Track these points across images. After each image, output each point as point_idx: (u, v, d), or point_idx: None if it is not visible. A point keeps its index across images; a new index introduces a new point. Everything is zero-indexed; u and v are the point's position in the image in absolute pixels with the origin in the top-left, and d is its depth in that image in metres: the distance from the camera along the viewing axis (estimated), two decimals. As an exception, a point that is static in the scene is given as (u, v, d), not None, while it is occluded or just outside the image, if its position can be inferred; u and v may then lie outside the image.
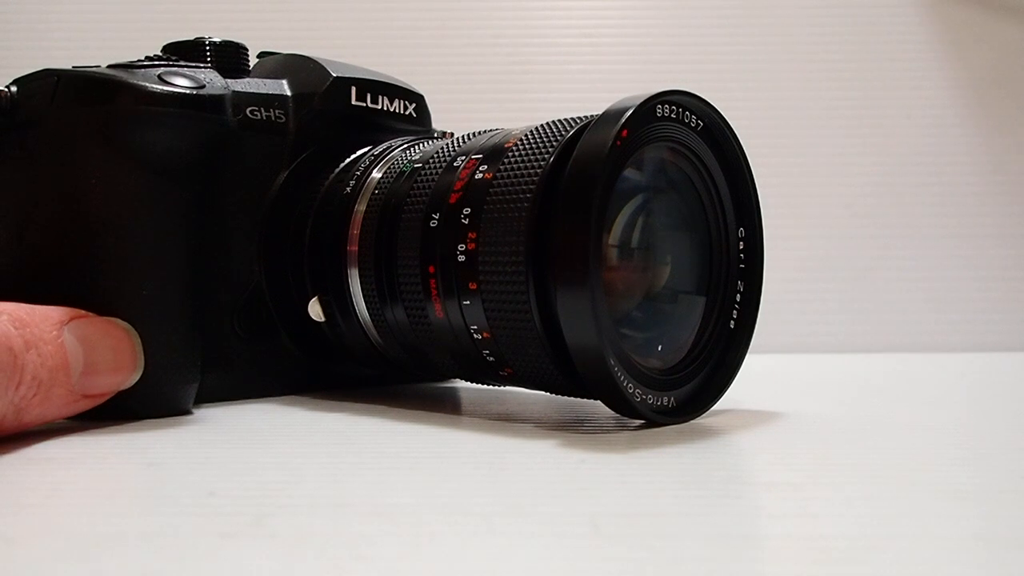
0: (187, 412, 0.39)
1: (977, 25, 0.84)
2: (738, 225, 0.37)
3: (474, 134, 0.39)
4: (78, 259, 0.36)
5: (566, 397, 0.37)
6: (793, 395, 0.48)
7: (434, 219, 0.36)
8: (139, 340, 0.36)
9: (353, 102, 0.46)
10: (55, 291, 0.35)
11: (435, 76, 0.75)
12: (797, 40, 0.83)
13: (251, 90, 0.43)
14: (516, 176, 0.33)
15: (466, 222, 0.34)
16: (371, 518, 0.22)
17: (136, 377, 0.35)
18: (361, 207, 0.41)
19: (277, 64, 0.47)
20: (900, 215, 0.83)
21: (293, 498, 0.24)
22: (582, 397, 0.35)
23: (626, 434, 0.33)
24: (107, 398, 0.35)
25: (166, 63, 0.39)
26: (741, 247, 0.37)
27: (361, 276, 0.40)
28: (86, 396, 0.34)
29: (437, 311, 0.36)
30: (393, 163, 0.41)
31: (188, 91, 0.38)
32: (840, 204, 0.83)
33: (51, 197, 0.37)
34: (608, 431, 0.33)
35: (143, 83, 0.37)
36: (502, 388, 0.45)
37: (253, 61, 0.47)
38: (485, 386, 0.41)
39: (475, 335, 0.35)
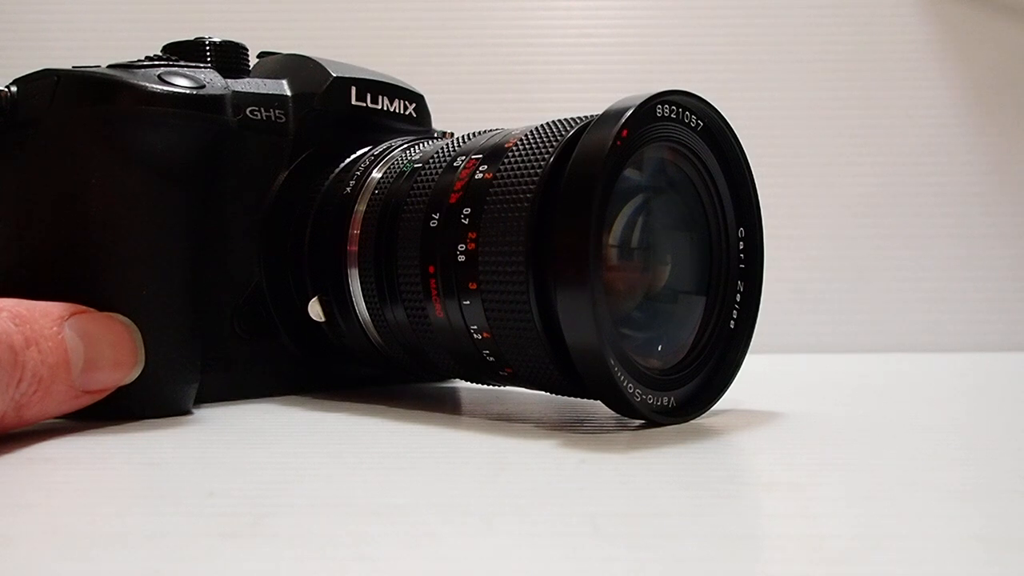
0: (187, 412, 0.39)
1: (977, 25, 0.84)
2: (738, 225, 0.37)
3: (474, 134, 0.39)
4: (78, 259, 0.36)
5: (566, 397, 0.37)
6: (793, 395, 0.48)
7: (434, 219, 0.36)
8: (139, 335, 0.36)
9: (353, 102, 0.46)
10: (55, 291, 0.35)
11: (435, 76, 0.75)
12: (797, 40, 0.83)
13: (251, 90, 0.43)
14: (516, 176, 0.33)
15: (466, 222, 0.34)
16: (371, 518, 0.22)
17: (137, 373, 0.35)
18: (361, 207, 0.41)
19: (277, 64, 0.47)
20: (900, 215, 0.83)
21: (293, 498, 0.24)
22: (582, 397, 0.35)
23: (626, 434, 0.33)
24: (108, 394, 0.35)
25: (166, 63, 0.39)
26: (741, 247, 0.37)
27: (361, 276, 0.40)
28: (87, 392, 0.34)
29: (437, 311, 0.36)
30: (393, 163, 0.41)
31: (188, 91, 0.38)
32: (840, 204, 0.83)
33: (51, 197, 0.37)
34: (608, 431, 0.33)
35: (143, 83, 0.37)
36: (502, 388, 0.45)
37: (253, 61, 0.47)
38: (485, 386, 0.41)
39: (475, 335, 0.35)
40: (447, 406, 0.43)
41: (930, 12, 0.83)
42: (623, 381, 0.32)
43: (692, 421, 0.35)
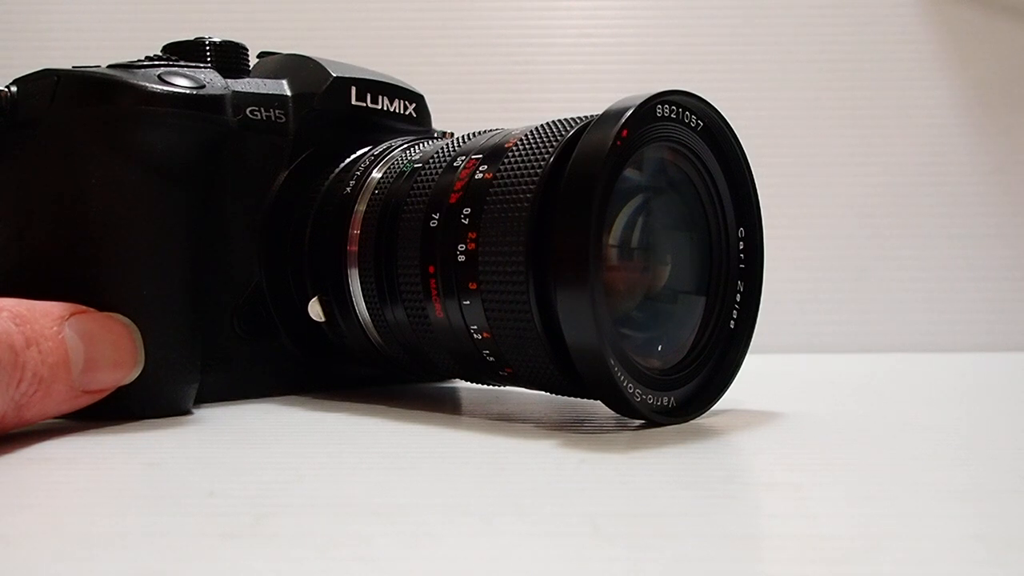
0: (187, 412, 0.39)
1: (977, 25, 0.84)
2: (738, 225, 0.37)
3: (474, 134, 0.39)
4: (78, 259, 0.36)
5: (566, 397, 0.37)
6: (793, 395, 0.48)
7: (434, 219, 0.36)
8: (139, 335, 0.36)
9: (353, 102, 0.46)
10: (55, 291, 0.35)
11: (435, 76, 0.75)
12: (797, 40, 0.83)
13: (251, 90, 0.43)
14: (516, 176, 0.33)
15: (466, 222, 0.34)
16: (371, 518, 0.22)
17: (137, 372, 0.35)
18: (361, 207, 0.41)
19: (277, 64, 0.47)
20: (900, 215, 0.83)
21: (293, 498, 0.24)
22: (582, 397, 0.35)
23: (626, 434, 0.33)
24: (108, 393, 0.35)
25: (166, 63, 0.39)
26: (741, 247, 0.37)
27: (361, 276, 0.40)
28: (87, 392, 0.34)
29: (437, 311, 0.36)
30: (393, 163, 0.41)
31: (188, 91, 0.38)
32: (840, 204, 0.83)
33: (51, 197, 0.37)
34: (608, 431, 0.33)
35: (143, 83, 0.37)
36: (502, 388, 0.45)
37: (253, 61, 0.47)
38: (485, 386, 0.41)
39: (475, 335, 0.35)
40: (447, 406, 0.43)
41: (930, 12, 0.83)
42: (623, 381, 0.32)
43: (692, 421, 0.35)
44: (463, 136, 0.40)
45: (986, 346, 0.81)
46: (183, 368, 0.38)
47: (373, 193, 0.40)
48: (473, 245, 0.34)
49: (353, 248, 0.40)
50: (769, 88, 0.83)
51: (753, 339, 0.37)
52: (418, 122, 0.48)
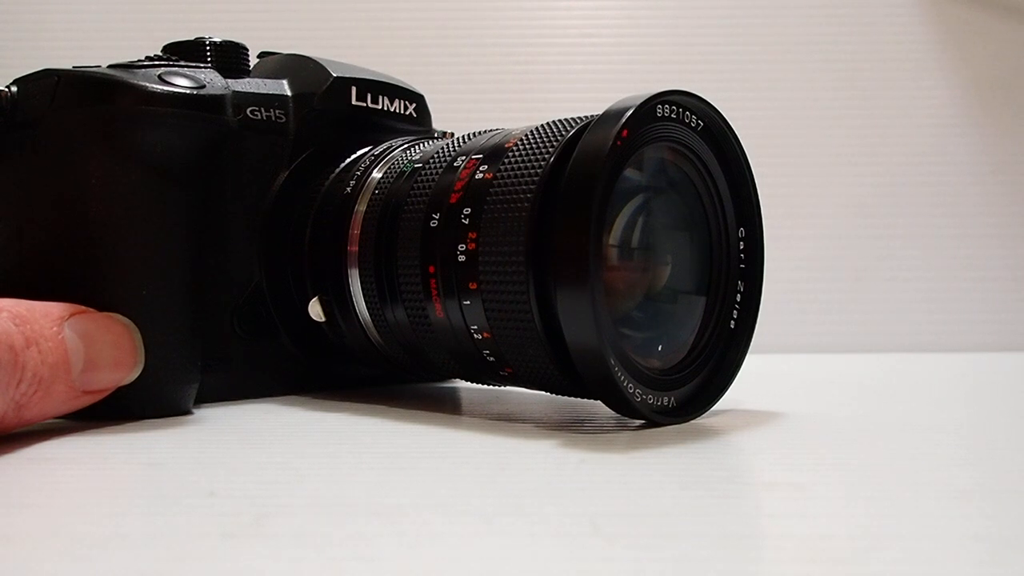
0: (187, 412, 0.39)
1: (977, 25, 0.84)
2: (738, 225, 0.37)
3: (474, 134, 0.39)
4: (78, 259, 0.36)
5: (566, 397, 0.37)
6: (793, 395, 0.48)
7: (434, 219, 0.36)
8: (139, 335, 0.36)
9: (353, 102, 0.46)
10: (55, 291, 0.35)
11: (435, 76, 0.75)
12: (797, 40, 0.83)
13: (251, 90, 0.43)
14: (516, 176, 0.33)
15: (466, 222, 0.34)
16: (371, 518, 0.22)
17: (137, 373, 0.35)
18: (361, 207, 0.41)
19: (277, 64, 0.47)
20: (900, 215, 0.83)
21: (293, 498, 0.24)
22: (582, 397, 0.35)
23: (626, 434, 0.33)
24: (108, 394, 0.35)
25: (166, 63, 0.39)
26: (741, 247, 0.37)
27: (361, 276, 0.40)
28: (87, 392, 0.34)
29: (437, 311, 0.36)
30: (393, 163, 0.41)
31: (188, 91, 0.38)
32: (840, 204, 0.83)
33: (51, 197, 0.37)
34: (608, 431, 0.33)
35: (143, 83, 0.37)
36: (502, 388, 0.45)
37: (253, 61, 0.47)
38: (485, 386, 0.41)
39: (475, 335, 0.35)
40: (447, 406, 0.43)
41: (930, 12, 0.83)
42: (623, 381, 0.32)
43: (692, 421, 0.35)
44: (463, 136, 0.40)
45: (986, 346, 0.81)
46: (183, 368, 0.38)
47: (373, 193, 0.40)
48: (473, 245, 0.34)
49: (353, 248, 0.40)
50: (769, 88, 0.83)
51: (753, 339, 0.37)
52: (418, 122, 0.48)
